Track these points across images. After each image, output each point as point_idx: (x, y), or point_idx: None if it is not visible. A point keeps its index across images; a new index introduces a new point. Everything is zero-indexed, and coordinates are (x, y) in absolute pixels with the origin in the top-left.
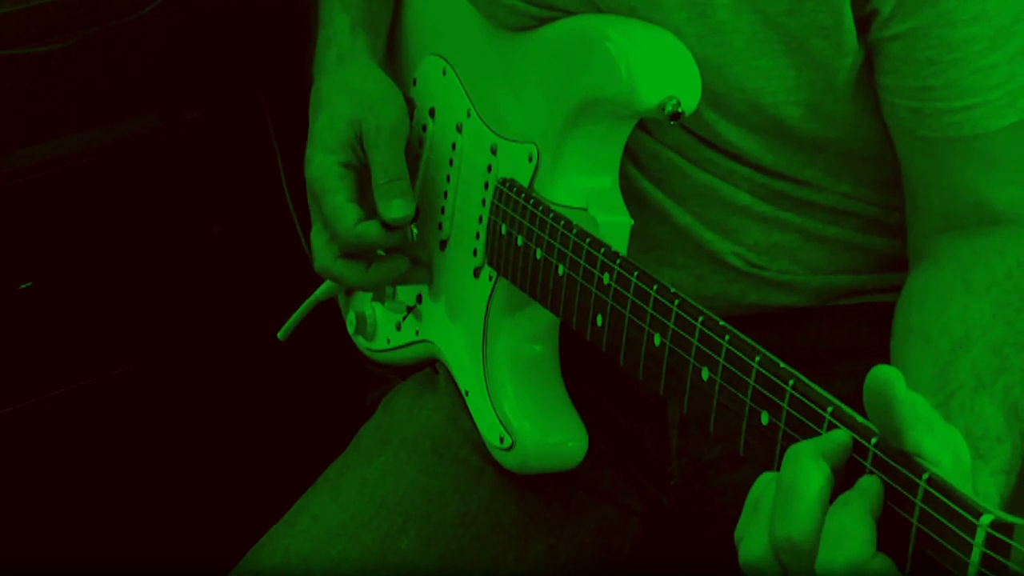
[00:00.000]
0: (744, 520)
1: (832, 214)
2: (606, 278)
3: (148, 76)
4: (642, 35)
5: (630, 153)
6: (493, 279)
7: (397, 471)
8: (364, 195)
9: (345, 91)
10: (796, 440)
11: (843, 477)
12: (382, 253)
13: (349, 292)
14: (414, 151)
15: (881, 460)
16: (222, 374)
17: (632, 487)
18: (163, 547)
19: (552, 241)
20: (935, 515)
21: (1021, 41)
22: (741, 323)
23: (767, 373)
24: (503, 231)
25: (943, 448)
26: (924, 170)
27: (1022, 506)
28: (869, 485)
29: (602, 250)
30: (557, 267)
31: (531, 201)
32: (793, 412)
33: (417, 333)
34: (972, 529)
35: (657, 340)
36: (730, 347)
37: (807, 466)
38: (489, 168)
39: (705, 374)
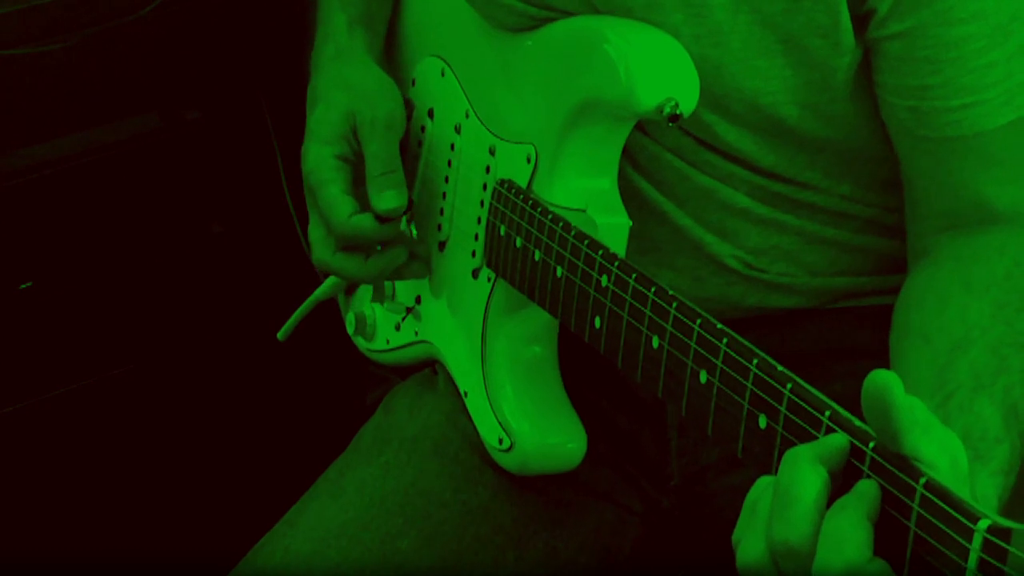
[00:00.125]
0: (742, 523)
1: (831, 216)
2: (604, 280)
3: (148, 76)
4: (641, 37)
5: (629, 155)
6: (492, 280)
7: (397, 472)
8: (360, 188)
9: (342, 86)
10: (794, 444)
11: (840, 481)
12: (380, 249)
13: (349, 292)
14: (413, 151)
15: (878, 464)
16: (222, 374)
17: (631, 488)
18: (163, 547)
19: (550, 243)
20: (932, 519)
21: (1019, 39)
22: (740, 325)
23: (765, 376)
24: (502, 232)
25: (940, 452)
26: (923, 169)
27: (1021, 507)
28: (866, 489)
29: (600, 252)
30: (555, 269)
31: (529, 202)
32: (791, 416)
33: (416, 334)
34: (969, 534)
35: (655, 342)
36: (728, 350)
37: (804, 470)
38: (488, 169)
39: (703, 377)
